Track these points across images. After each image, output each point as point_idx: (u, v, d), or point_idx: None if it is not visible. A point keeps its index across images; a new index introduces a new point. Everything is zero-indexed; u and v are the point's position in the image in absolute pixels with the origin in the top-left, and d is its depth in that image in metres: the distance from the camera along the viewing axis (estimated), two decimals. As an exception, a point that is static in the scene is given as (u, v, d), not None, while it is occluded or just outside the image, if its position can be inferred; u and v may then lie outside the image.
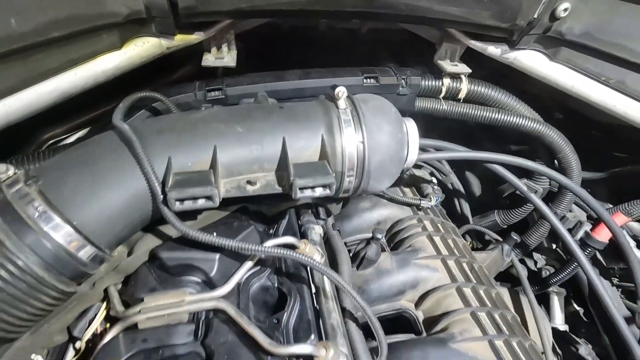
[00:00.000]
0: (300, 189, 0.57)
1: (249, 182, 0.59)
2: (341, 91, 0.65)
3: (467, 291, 0.72)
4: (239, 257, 0.61)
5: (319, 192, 0.59)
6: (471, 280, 0.76)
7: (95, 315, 0.60)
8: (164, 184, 0.54)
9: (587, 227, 0.98)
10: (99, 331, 0.59)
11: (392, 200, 0.91)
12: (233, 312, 0.51)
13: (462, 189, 1.12)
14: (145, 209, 0.56)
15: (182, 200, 0.53)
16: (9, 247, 0.46)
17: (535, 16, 0.70)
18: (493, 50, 0.83)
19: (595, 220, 1.00)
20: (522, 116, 0.88)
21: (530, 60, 0.80)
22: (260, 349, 0.49)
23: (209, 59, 0.77)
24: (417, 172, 1.03)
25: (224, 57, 0.78)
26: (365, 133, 0.64)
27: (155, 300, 0.54)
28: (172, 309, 0.53)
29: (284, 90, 0.83)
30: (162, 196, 0.54)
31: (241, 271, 0.58)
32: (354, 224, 0.90)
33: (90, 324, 0.60)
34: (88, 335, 0.59)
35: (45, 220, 0.48)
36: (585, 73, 0.74)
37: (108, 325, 0.61)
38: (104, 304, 0.61)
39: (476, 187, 1.37)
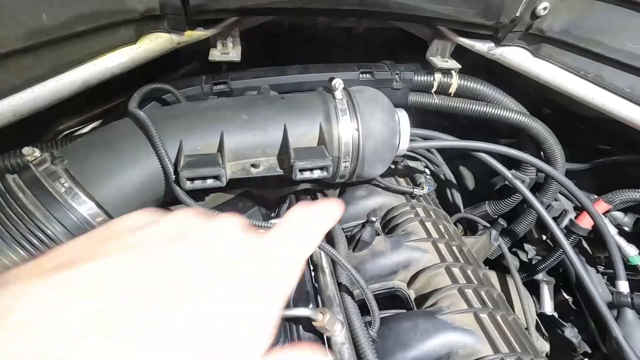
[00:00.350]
0: (299, 170, 0.62)
1: (252, 165, 0.65)
2: (338, 82, 0.71)
3: (456, 270, 0.78)
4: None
5: (317, 174, 0.65)
6: (459, 261, 0.81)
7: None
8: (176, 165, 0.59)
9: (572, 215, 1.03)
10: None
11: (386, 188, 0.96)
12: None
13: (454, 180, 1.17)
14: (159, 188, 0.61)
15: (192, 179, 0.58)
16: (39, 218, 0.51)
17: (518, 14, 0.76)
18: (480, 46, 0.88)
19: (580, 209, 1.05)
20: (509, 109, 0.94)
21: (515, 56, 0.85)
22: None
23: (215, 54, 0.83)
24: (412, 164, 1.08)
25: (229, 52, 0.84)
26: (360, 121, 0.69)
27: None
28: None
29: (284, 84, 0.88)
30: (174, 176, 0.59)
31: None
32: (351, 211, 0.95)
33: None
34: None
35: (71, 196, 0.53)
36: (565, 68, 0.80)
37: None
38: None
39: (469, 181, 1.43)
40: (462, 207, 1.17)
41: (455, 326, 0.66)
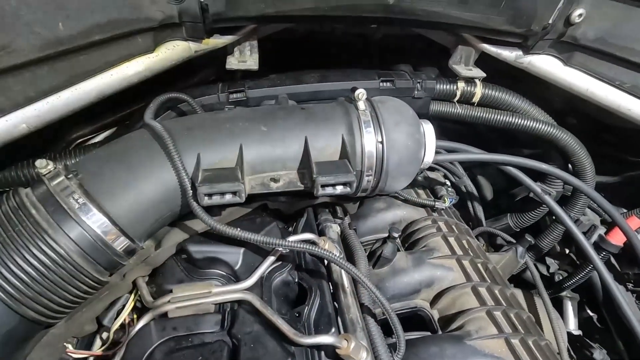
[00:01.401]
0: (322, 186, 0.59)
1: (272, 180, 0.62)
2: (361, 93, 0.67)
3: (482, 290, 0.73)
4: (262, 252, 0.63)
5: (339, 189, 0.61)
6: (486, 280, 0.77)
7: (124, 306, 0.63)
8: (193, 179, 0.57)
9: (601, 230, 0.98)
10: (127, 321, 0.62)
11: (406, 201, 0.93)
12: (258, 304, 0.54)
13: (475, 192, 1.13)
14: (175, 203, 0.59)
15: (210, 195, 0.55)
16: (52, 236, 0.49)
17: (550, 22, 0.72)
18: (507, 54, 0.84)
19: (610, 224, 1.00)
20: (536, 120, 0.89)
21: (545, 64, 0.81)
22: (285, 339, 0.51)
23: (233, 62, 0.80)
24: (431, 175, 1.04)
25: (247, 60, 0.81)
26: (384, 133, 0.66)
27: (183, 291, 0.56)
28: (199, 299, 0.55)
29: (302, 92, 0.85)
30: (191, 191, 0.56)
31: (264, 265, 0.60)
32: (369, 224, 0.92)
33: (118, 314, 0.63)
34: (117, 325, 0.61)
35: (85, 212, 0.51)
36: (599, 77, 0.76)
37: (135, 316, 0.63)
38: (132, 295, 0.63)
39: (488, 191, 1.38)
40: (484, 221, 1.12)
41: (485, 353, 0.62)
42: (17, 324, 0.48)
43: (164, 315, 0.55)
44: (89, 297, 0.54)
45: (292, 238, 0.62)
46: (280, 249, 0.63)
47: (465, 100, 0.95)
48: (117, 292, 0.62)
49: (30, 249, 0.47)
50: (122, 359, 0.50)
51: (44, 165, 0.56)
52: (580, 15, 0.70)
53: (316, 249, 0.57)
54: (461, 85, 0.93)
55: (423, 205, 0.93)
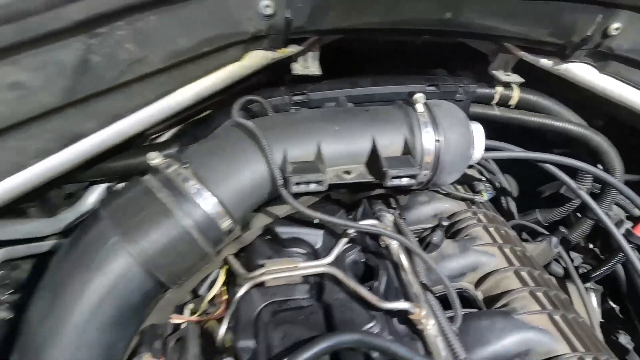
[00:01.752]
0: (392, 177, 0.68)
1: (346, 172, 0.72)
2: (420, 97, 0.77)
3: (524, 274, 0.82)
4: (336, 235, 0.73)
5: (405, 181, 0.71)
6: (526, 266, 0.85)
7: (216, 278, 0.73)
8: (282, 170, 0.66)
9: (628, 225, 1.05)
10: (219, 292, 0.72)
11: (448, 195, 1.01)
12: (342, 275, 0.63)
13: (508, 187, 1.21)
14: (265, 191, 0.68)
15: (299, 183, 0.65)
16: (176, 215, 0.59)
17: (589, 34, 0.80)
18: (545, 62, 0.93)
19: (636, 219, 1.08)
20: (569, 122, 0.98)
21: (581, 72, 0.89)
22: (368, 305, 0.60)
23: (298, 69, 0.90)
24: (468, 171, 1.13)
25: (309, 66, 0.91)
26: (441, 133, 0.75)
27: (274, 265, 0.66)
28: (290, 272, 0.65)
29: (358, 95, 0.95)
30: (281, 181, 0.66)
31: (340, 245, 0.70)
32: (412, 216, 1.00)
33: (211, 286, 0.73)
34: (211, 295, 0.71)
35: (200, 195, 0.61)
36: (632, 84, 0.83)
37: (225, 288, 0.73)
38: (223, 270, 0.73)
39: (514, 188, 1.46)
40: (516, 215, 1.21)
41: (531, 326, 0.70)
42: (152, 287, 0.58)
43: (260, 284, 0.64)
44: (198, 267, 0.64)
45: (363, 222, 0.71)
46: (350, 231, 0.72)
47: (503, 103, 1.03)
48: (211, 266, 0.72)
49: (161, 225, 0.58)
50: (232, 318, 0.60)
51: (155, 157, 0.66)
52: (617, 28, 0.78)
53: (388, 232, 0.66)
54: (499, 89, 1.01)
55: (463, 199, 1.02)
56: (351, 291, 0.62)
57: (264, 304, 0.60)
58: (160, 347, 0.60)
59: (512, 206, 1.21)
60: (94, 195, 0.89)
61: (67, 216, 0.84)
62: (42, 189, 0.65)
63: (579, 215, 1.24)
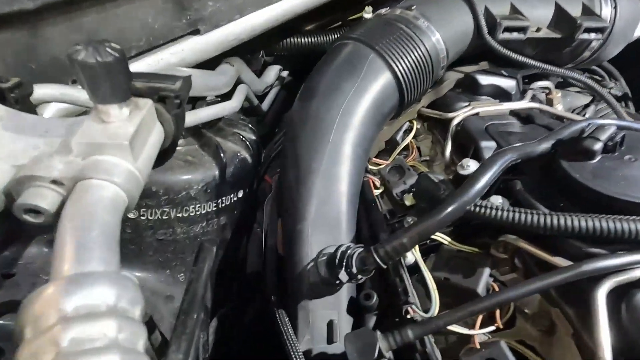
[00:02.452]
0: (585, 30, 0.76)
1: (536, 30, 0.80)
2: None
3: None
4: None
5: (593, 36, 0.78)
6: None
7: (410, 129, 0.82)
8: (486, 21, 0.75)
9: None
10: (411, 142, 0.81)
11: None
12: (545, 107, 0.72)
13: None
14: (468, 40, 0.77)
15: (508, 29, 0.74)
16: (418, 39, 0.68)
17: None
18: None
19: None
20: None
21: None
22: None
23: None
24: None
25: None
26: (616, 1, 0.82)
27: (479, 105, 0.75)
28: (497, 106, 0.74)
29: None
30: (486, 29, 0.75)
31: (537, 86, 0.79)
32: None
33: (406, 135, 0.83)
34: (408, 140, 0.81)
35: (431, 31, 0.70)
36: None
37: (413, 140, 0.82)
38: (415, 122, 0.82)
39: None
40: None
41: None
42: (397, 102, 0.68)
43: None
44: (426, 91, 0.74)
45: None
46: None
47: None
48: (408, 116, 0.81)
49: (409, 45, 0.67)
50: (454, 141, 0.69)
51: (369, 11, 0.76)
52: None
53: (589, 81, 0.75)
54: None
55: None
56: (557, 117, 0.71)
57: (487, 124, 0.69)
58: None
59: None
60: (272, 73, 0.99)
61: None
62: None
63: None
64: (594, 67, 1.13)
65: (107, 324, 0.18)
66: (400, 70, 0.66)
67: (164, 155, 0.39)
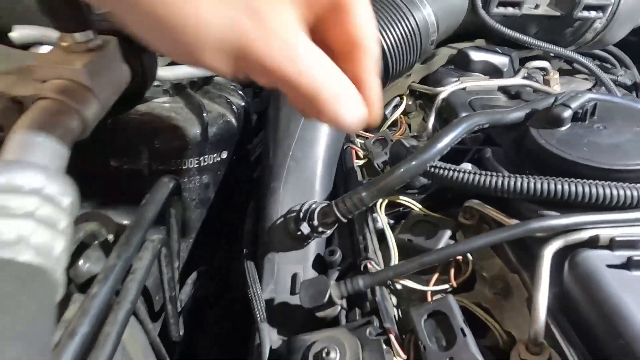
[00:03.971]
0: (584, 7, 0.74)
1: (535, 6, 0.78)
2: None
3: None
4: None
5: (593, 14, 0.76)
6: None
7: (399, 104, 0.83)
8: (481, -4, 0.74)
9: None
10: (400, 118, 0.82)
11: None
12: (538, 85, 0.71)
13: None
14: (463, 13, 0.77)
15: (504, 4, 0.73)
16: (406, 14, 0.68)
17: None
18: None
19: None
20: None
21: None
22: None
23: None
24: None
25: None
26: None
27: (468, 79, 0.75)
28: (486, 82, 0.73)
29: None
30: (480, 2, 0.74)
31: (532, 65, 0.78)
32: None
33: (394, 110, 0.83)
34: (396, 115, 0.81)
35: (421, 2, 0.70)
36: None
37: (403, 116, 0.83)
38: (405, 98, 0.83)
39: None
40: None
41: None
42: (381, 72, 0.69)
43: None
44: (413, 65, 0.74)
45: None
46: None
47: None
48: (397, 91, 0.81)
49: (398, 19, 0.67)
50: (437, 116, 0.70)
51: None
52: None
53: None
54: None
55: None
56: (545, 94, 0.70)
57: (471, 98, 0.69)
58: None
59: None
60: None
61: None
62: None
63: None
64: (605, 55, 1.09)
65: (28, 200, 0.21)
66: (386, 41, 0.66)
67: (134, 97, 0.42)
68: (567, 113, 0.47)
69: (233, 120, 0.69)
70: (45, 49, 0.44)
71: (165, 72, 0.56)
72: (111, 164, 0.56)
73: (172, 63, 0.61)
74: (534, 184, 0.41)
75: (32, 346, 0.16)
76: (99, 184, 0.54)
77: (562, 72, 0.97)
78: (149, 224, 0.34)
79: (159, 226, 0.45)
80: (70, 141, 0.29)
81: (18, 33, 0.40)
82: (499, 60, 0.77)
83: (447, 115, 0.69)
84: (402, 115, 0.83)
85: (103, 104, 0.34)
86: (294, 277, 0.53)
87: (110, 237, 0.50)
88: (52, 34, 0.43)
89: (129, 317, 0.32)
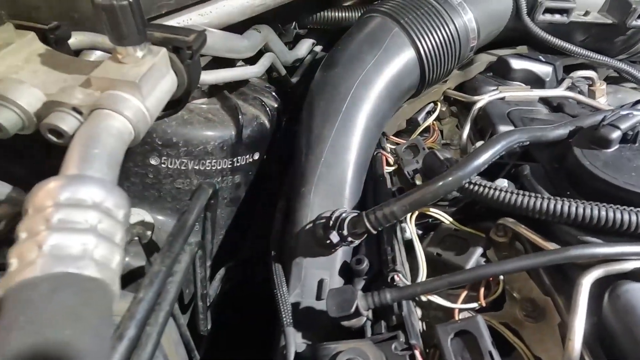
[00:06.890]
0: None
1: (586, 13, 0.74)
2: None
3: None
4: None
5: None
6: None
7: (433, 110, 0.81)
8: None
9: None
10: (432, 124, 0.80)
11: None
12: (581, 98, 0.68)
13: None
14: (503, 22, 0.74)
15: (550, 10, 0.70)
16: (447, 17, 0.67)
17: None
18: None
19: None
20: None
21: None
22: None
23: None
24: None
25: None
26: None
27: (507, 89, 0.72)
28: (526, 92, 0.71)
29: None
30: (525, 10, 0.71)
31: (576, 75, 0.74)
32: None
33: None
34: (428, 122, 0.80)
35: (462, 7, 0.68)
36: None
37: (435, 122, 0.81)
38: (439, 104, 0.81)
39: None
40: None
41: None
42: (416, 81, 0.68)
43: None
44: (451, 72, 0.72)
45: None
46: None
47: None
48: (432, 97, 0.80)
49: (437, 23, 0.66)
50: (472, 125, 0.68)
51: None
52: None
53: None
54: None
55: None
56: (593, 109, 0.67)
57: (510, 109, 0.67)
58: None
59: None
60: (305, 46, 1.00)
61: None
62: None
63: None
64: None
65: (90, 214, 0.23)
66: (423, 48, 0.65)
67: (177, 103, 0.43)
68: (616, 134, 0.45)
69: (266, 122, 0.70)
70: (97, 55, 0.46)
71: (206, 76, 0.57)
72: (150, 162, 0.59)
73: (211, 66, 0.62)
74: (578, 209, 0.40)
75: (97, 356, 0.17)
76: (137, 180, 0.56)
77: (609, 80, 0.92)
78: (189, 231, 0.36)
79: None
80: (123, 151, 0.31)
81: (76, 40, 0.42)
82: (542, 69, 0.74)
83: (483, 125, 0.67)
84: (435, 122, 0.81)
85: (152, 113, 0.35)
86: (321, 283, 0.54)
87: (149, 233, 0.53)
88: (103, 39, 0.45)
89: (168, 317, 0.33)
